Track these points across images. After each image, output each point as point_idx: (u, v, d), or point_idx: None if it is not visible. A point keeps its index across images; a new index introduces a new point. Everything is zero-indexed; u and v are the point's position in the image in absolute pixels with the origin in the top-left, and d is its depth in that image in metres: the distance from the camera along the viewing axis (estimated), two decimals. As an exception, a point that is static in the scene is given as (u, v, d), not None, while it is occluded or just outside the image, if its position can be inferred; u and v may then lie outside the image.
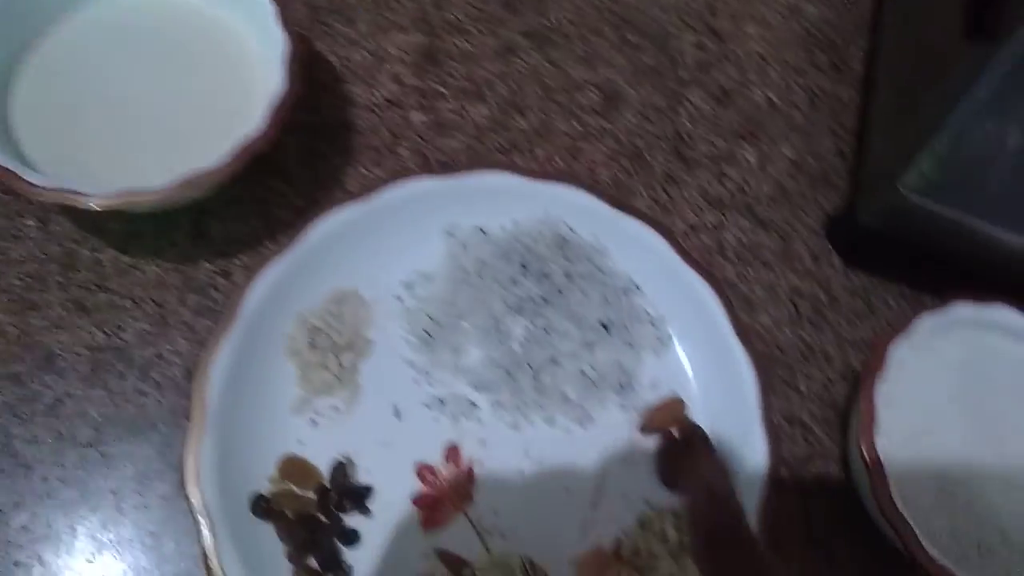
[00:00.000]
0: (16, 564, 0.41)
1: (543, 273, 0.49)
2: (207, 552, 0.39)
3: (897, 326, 0.45)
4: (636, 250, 0.49)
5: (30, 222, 0.47)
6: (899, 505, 0.41)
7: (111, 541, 0.41)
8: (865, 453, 0.42)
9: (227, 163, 0.41)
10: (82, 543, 0.41)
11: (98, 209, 0.40)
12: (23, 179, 0.39)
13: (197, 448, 0.40)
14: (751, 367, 0.46)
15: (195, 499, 0.40)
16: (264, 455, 0.43)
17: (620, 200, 0.50)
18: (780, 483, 0.47)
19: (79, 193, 0.40)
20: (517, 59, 0.57)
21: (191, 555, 0.41)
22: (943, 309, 0.46)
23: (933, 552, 0.40)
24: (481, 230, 0.49)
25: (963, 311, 0.46)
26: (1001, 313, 0.46)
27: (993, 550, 0.42)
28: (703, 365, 0.48)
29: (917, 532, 0.41)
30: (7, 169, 0.39)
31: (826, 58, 0.62)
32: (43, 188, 0.39)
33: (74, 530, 0.41)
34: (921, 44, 0.50)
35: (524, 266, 0.49)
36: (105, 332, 0.45)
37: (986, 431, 0.45)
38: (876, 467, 0.42)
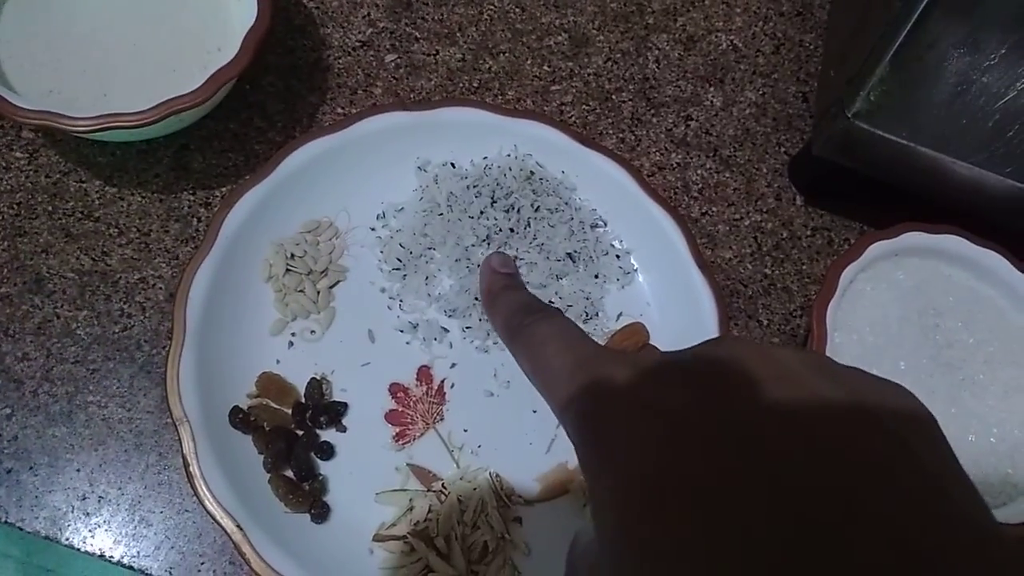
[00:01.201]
0: (8, 471, 0.43)
1: (511, 206, 0.50)
2: (187, 459, 0.41)
3: (849, 254, 0.47)
4: (602, 186, 0.51)
5: (19, 154, 0.49)
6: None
7: (98, 452, 0.43)
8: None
9: (203, 88, 0.43)
10: (70, 454, 0.43)
11: (83, 131, 0.41)
12: (11, 103, 0.41)
13: (177, 362, 0.42)
14: (711, 296, 0.49)
15: (176, 409, 0.42)
16: (243, 372, 0.45)
17: (588, 137, 0.52)
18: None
19: (63, 116, 0.41)
20: (488, 4, 0.58)
21: (174, 465, 0.44)
22: (894, 237, 0.48)
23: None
24: (451, 164, 0.51)
25: (913, 239, 0.48)
26: (950, 241, 0.48)
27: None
28: (666, 295, 0.50)
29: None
30: (-4, 95, 0.41)
31: (790, 5, 0.63)
32: (29, 111, 0.41)
33: (62, 441, 0.43)
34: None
35: (493, 199, 0.50)
36: (92, 257, 0.47)
37: (935, 355, 0.47)
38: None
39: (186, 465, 0.41)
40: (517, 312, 0.32)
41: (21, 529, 0.42)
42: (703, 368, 0.21)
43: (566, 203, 0.51)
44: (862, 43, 0.48)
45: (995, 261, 0.49)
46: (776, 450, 0.18)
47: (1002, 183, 0.46)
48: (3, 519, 0.42)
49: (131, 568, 0.42)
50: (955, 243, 0.49)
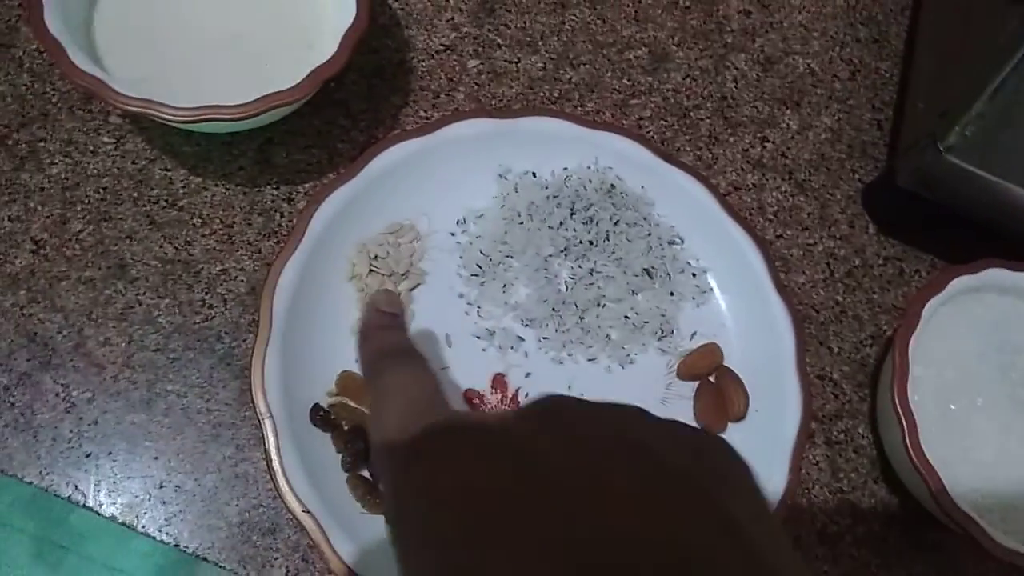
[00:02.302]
0: (87, 455, 0.43)
1: (591, 218, 0.50)
2: (270, 454, 0.41)
3: (932, 286, 0.47)
4: (682, 202, 0.51)
5: (106, 139, 0.49)
6: (928, 456, 0.43)
7: (176, 441, 0.44)
8: (897, 404, 0.44)
9: (303, 84, 0.43)
10: (148, 441, 0.43)
11: (180, 121, 0.41)
12: (112, 89, 0.41)
13: (263, 356, 0.42)
14: (789, 321, 0.48)
15: (260, 404, 0.42)
16: (324, 370, 0.45)
17: (669, 153, 0.52)
18: (811, 436, 0.49)
19: (163, 105, 0.42)
20: (570, 14, 0.58)
21: (251, 459, 0.44)
22: (977, 272, 0.48)
23: (959, 503, 0.42)
24: (532, 173, 0.51)
25: (996, 275, 0.48)
26: (1032, 279, 0.48)
27: (1017, 507, 0.44)
28: (741, 317, 0.50)
29: (945, 483, 0.42)
30: (99, 79, 0.41)
31: (867, 32, 0.63)
32: (130, 98, 0.41)
33: (141, 427, 0.44)
34: (965, 8, 0.52)
35: (572, 210, 0.50)
36: (175, 246, 0.47)
37: (1011, 393, 0.47)
38: (908, 418, 0.43)
39: (268, 460, 0.41)
40: (382, 355, 0.33)
41: (99, 515, 0.42)
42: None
43: (644, 218, 0.51)
44: (956, 76, 0.47)
45: (1077, 302, 0.48)
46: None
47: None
48: (82, 502, 0.42)
49: (205, 559, 0.42)
50: (1037, 281, 0.48)
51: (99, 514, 0.42)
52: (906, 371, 0.45)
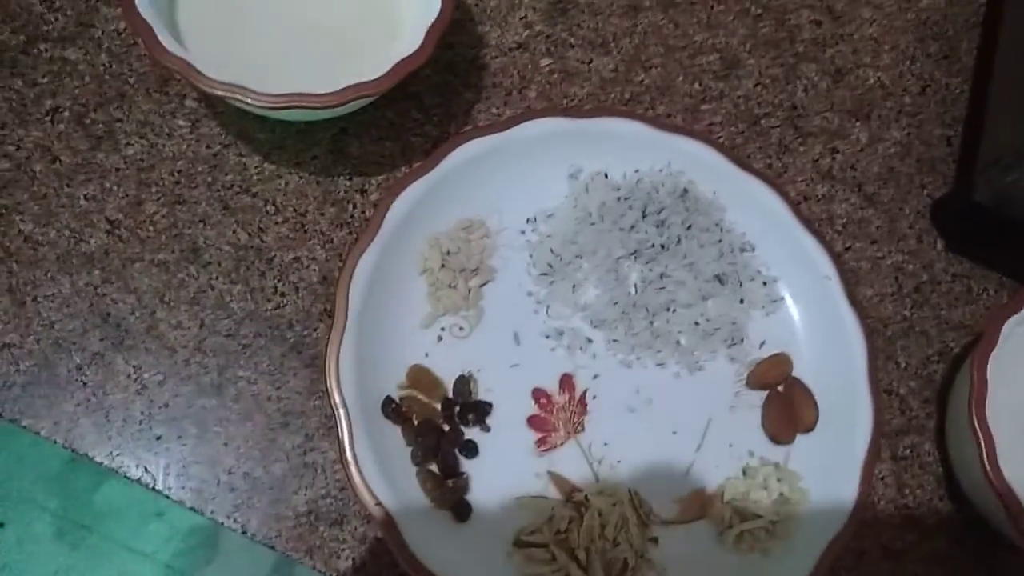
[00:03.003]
0: (158, 438, 0.43)
1: (662, 221, 0.50)
2: (343, 444, 0.41)
3: (1010, 305, 0.46)
4: (754, 209, 0.51)
5: (182, 122, 0.49)
6: (1007, 477, 0.42)
7: (245, 427, 0.43)
8: (976, 423, 0.43)
9: (388, 76, 0.43)
10: (218, 427, 0.43)
11: (264, 107, 0.41)
12: (199, 72, 0.41)
13: (338, 347, 0.42)
14: (861, 334, 0.48)
15: (335, 394, 0.41)
16: (395, 363, 0.45)
17: (743, 159, 0.51)
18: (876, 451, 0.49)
19: (249, 90, 0.41)
20: (642, 17, 0.58)
21: (320, 448, 0.43)
22: (1056, 293, 0.47)
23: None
24: (604, 174, 0.51)
25: (1074, 296, 0.47)
26: (1110, 301, 0.47)
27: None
28: (812, 327, 0.50)
29: (1022, 502, 0.42)
30: (186, 62, 0.41)
31: (937, 47, 0.62)
32: (217, 82, 0.41)
33: (211, 412, 0.43)
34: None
35: (644, 213, 0.50)
36: (248, 232, 0.47)
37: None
38: (986, 437, 0.43)
39: (341, 451, 0.41)
40: None
41: (168, 498, 0.42)
42: None
43: (716, 224, 0.51)
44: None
45: None
46: None
47: None
48: (151, 485, 0.42)
49: (272, 548, 0.42)
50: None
51: (168, 497, 0.42)
52: (984, 389, 0.44)
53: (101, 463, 0.42)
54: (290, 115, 0.46)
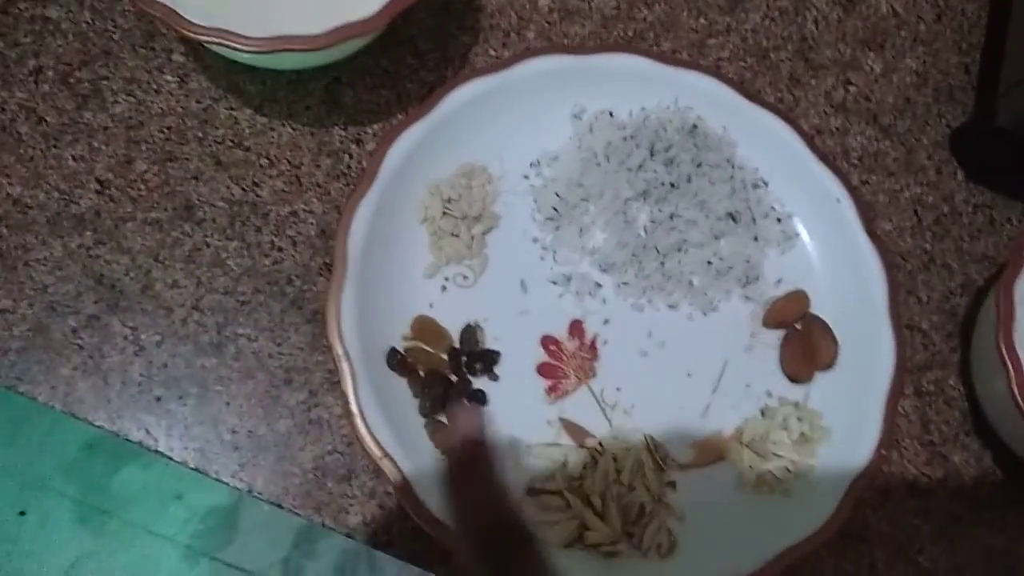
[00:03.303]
0: (158, 399, 0.42)
1: (671, 160, 0.48)
2: (348, 396, 0.39)
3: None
4: (766, 144, 0.49)
5: (170, 77, 0.47)
6: (1034, 403, 0.41)
7: (247, 385, 0.42)
8: (1003, 349, 0.41)
9: (379, 15, 0.41)
10: (219, 385, 0.42)
11: (252, 51, 0.40)
12: (183, 18, 0.40)
13: (339, 298, 0.41)
14: (881, 267, 0.46)
15: (337, 345, 0.40)
16: (399, 314, 0.43)
17: (753, 92, 0.49)
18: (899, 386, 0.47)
19: (235, 35, 0.40)
20: (644, -47, 0.56)
21: (325, 404, 0.42)
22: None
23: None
24: (609, 113, 0.49)
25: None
26: None
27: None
28: (830, 263, 0.48)
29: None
30: (169, 8, 0.40)
31: (953, -28, 0.60)
32: (202, 27, 0.40)
33: (212, 372, 0.42)
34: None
35: (652, 151, 0.48)
36: (242, 187, 0.45)
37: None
38: (1015, 364, 0.41)
39: (345, 403, 0.39)
40: (496, 537, 0.28)
41: (170, 459, 0.41)
42: None
43: (727, 160, 0.49)
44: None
45: None
46: None
47: None
48: (153, 447, 0.41)
49: (279, 506, 0.41)
50: None
51: (170, 459, 0.41)
52: (1012, 316, 0.42)
53: (101, 426, 0.41)
54: (280, 61, 0.45)
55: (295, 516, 0.41)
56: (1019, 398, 0.41)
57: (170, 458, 0.41)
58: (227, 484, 0.40)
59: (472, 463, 0.29)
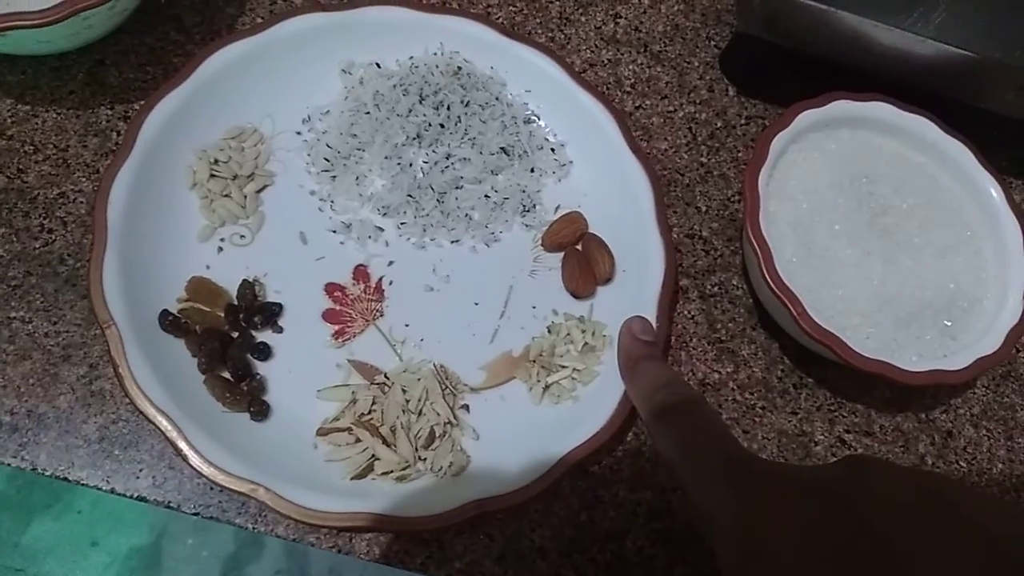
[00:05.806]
0: (-72, 390, 0.41)
1: (440, 103, 0.50)
2: (116, 360, 0.40)
3: (778, 123, 0.47)
4: (534, 80, 0.51)
5: (-79, 75, 0.47)
6: (787, 283, 0.43)
7: (23, 365, 0.42)
8: (751, 236, 0.44)
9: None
10: (-6, 369, 0.42)
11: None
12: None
13: (100, 265, 0.41)
14: (647, 180, 0.48)
15: (101, 312, 0.40)
16: (171, 278, 0.44)
17: (515, 31, 0.51)
18: (684, 292, 0.49)
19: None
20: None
21: (107, 375, 0.42)
22: (823, 105, 0.48)
23: (818, 320, 0.42)
24: (376, 64, 0.50)
25: (842, 107, 0.48)
26: (878, 108, 0.49)
27: (880, 322, 0.45)
28: (601, 183, 0.50)
29: (807, 307, 0.43)
30: None
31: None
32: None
33: (-15, 357, 0.42)
34: None
35: (421, 96, 0.50)
36: (7, 175, 0.45)
37: (870, 220, 0.47)
38: (763, 248, 0.44)
39: (115, 367, 0.40)
40: (659, 390, 0.38)
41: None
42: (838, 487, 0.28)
43: (496, 98, 0.51)
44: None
45: (923, 127, 0.49)
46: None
47: (925, 44, 0.47)
48: (-73, 439, 0.40)
49: (65, 480, 0.41)
50: (883, 110, 0.49)
51: (-52, 448, 0.40)
52: (757, 204, 0.45)
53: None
54: (30, 43, 0.45)
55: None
56: (769, 279, 0.43)
57: (-52, 448, 0.40)
58: (9, 465, 0.40)
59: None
